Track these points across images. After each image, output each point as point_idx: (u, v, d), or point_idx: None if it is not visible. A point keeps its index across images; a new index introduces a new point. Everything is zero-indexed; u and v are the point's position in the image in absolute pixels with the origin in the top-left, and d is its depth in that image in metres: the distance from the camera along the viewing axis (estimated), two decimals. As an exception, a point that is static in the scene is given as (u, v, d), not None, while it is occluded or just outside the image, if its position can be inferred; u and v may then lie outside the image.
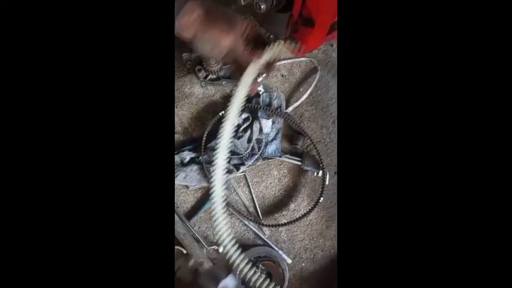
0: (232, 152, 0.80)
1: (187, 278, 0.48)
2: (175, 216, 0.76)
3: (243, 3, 0.65)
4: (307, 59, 0.90)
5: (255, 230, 0.80)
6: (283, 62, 0.89)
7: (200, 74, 0.81)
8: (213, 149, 0.81)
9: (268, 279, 0.49)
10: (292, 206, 0.83)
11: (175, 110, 0.85)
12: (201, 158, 0.79)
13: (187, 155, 0.80)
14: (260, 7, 0.65)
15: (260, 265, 0.76)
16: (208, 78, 0.83)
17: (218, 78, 0.83)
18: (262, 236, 0.80)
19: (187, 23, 0.47)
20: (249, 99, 0.84)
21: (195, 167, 0.79)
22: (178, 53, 0.83)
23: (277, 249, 0.78)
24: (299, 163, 0.83)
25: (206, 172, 0.78)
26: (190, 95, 0.86)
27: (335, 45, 0.91)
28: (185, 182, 0.79)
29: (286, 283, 0.76)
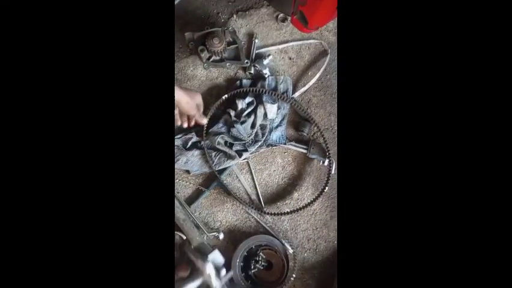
0: (235, 138, 0.77)
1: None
2: (176, 201, 0.74)
3: None
4: (317, 41, 0.85)
5: (257, 218, 0.78)
6: (291, 44, 0.84)
7: (203, 55, 0.77)
8: (216, 134, 0.79)
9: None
10: (296, 195, 0.80)
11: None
12: (202, 142, 0.77)
13: (189, 140, 0.78)
14: None
15: (261, 253, 0.75)
16: (211, 59, 0.79)
17: (222, 60, 0.80)
18: (264, 225, 0.78)
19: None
20: (253, 83, 0.81)
21: (196, 152, 0.77)
22: (180, 33, 0.80)
23: (278, 238, 0.77)
24: (305, 151, 0.80)
25: (208, 157, 0.76)
26: (193, 77, 0.83)
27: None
28: (187, 167, 0.77)
29: (287, 273, 0.75)
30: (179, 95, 0.69)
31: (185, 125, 0.77)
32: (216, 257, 0.45)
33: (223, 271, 0.44)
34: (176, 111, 0.74)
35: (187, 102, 0.71)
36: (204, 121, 0.77)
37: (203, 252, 0.45)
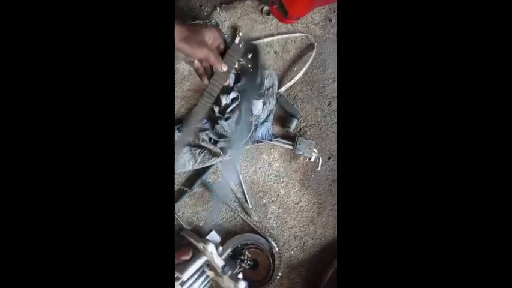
0: (219, 135, 0.75)
1: None
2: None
3: None
4: (303, 34, 0.83)
5: (242, 216, 0.76)
6: (277, 37, 0.82)
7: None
8: (201, 130, 0.76)
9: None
10: (282, 192, 0.79)
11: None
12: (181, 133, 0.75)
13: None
14: None
15: (246, 252, 0.74)
16: (193, 53, 0.76)
17: (204, 54, 0.77)
18: (250, 223, 0.76)
19: None
20: (238, 79, 0.79)
21: (178, 150, 0.75)
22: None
23: (265, 236, 0.75)
24: (291, 147, 0.78)
25: (191, 155, 0.74)
26: (176, 72, 0.80)
27: (334, 20, 0.84)
28: (169, 165, 0.75)
29: (273, 271, 0.73)
30: (176, 31, 0.48)
31: (195, 66, 0.56)
32: (214, 236, 0.48)
33: (220, 248, 0.47)
34: (182, 55, 0.54)
35: (186, 38, 0.49)
36: (224, 68, 0.56)
37: (200, 234, 0.48)
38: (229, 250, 0.49)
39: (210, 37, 0.54)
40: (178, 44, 0.51)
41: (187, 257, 0.46)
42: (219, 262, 0.46)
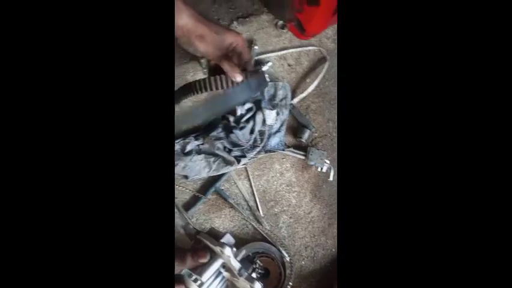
0: (234, 144, 0.77)
1: (188, 243, 0.51)
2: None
3: None
4: (315, 48, 0.85)
5: (254, 224, 0.77)
6: (290, 50, 0.84)
7: (202, 61, 0.77)
8: (216, 139, 0.78)
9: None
10: (293, 201, 0.80)
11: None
12: (201, 147, 0.77)
13: (188, 144, 0.77)
14: None
15: (257, 261, 0.74)
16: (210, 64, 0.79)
17: (221, 66, 0.80)
18: (261, 232, 0.77)
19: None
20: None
21: (194, 157, 0.77)
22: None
23: (276, 245, 0.76)
24: (303, 157, 0.79)
25: (206, 162, 0.76)
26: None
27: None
28: (185, 172, 0.76)
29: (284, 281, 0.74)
30: (180, 15, 0.42)
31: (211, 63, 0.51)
32: (229, 238, 0.50)
33: (234, 250, 0.49)
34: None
35: (202, 36, 0.45)
36: (238, 78, 0.50)
37: (216, 237, 0.50)
38: (243, 252, 0.50)
39: (232, 43, 0.50)
40: (194, 40, 0.48)
41: (205, 260, 0.47)
42: (236, 264, 0.47)
